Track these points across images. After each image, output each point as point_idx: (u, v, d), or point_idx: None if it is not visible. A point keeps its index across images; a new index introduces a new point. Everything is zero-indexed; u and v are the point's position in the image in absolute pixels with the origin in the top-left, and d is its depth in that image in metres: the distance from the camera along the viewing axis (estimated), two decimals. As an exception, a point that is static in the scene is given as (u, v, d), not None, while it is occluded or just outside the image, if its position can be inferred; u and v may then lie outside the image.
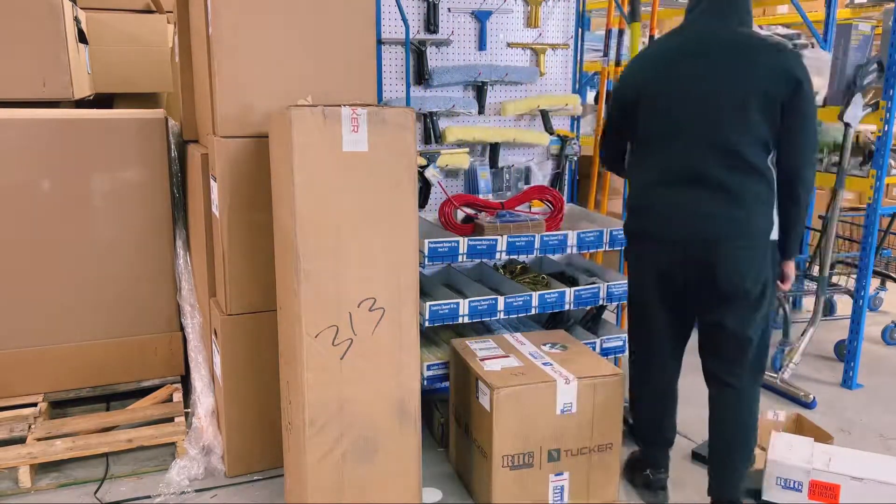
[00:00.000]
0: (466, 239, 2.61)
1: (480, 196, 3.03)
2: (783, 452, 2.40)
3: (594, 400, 2.28)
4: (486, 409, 2.24)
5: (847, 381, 3.39)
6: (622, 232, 2.49)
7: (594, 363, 2.39)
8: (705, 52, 2.10)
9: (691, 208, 2.10)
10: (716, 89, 2.06)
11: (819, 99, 3.41)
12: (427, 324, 2.54)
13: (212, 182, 2.42)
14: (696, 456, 2.69)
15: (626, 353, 2.57)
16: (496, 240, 2.65)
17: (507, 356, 2.42)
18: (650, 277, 2.24)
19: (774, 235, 2.13)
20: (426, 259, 2.54)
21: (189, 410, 2.77)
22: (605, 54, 3.75)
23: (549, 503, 2.32)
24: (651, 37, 3.60)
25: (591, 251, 2.85)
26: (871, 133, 3.24)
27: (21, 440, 2.56)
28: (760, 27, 4.35)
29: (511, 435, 2.23)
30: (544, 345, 2.53)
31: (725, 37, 2.09)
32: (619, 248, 2.94)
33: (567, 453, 2.30)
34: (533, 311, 2.71)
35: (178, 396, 2.89)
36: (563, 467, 2.30)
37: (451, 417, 2.63)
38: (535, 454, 2.27)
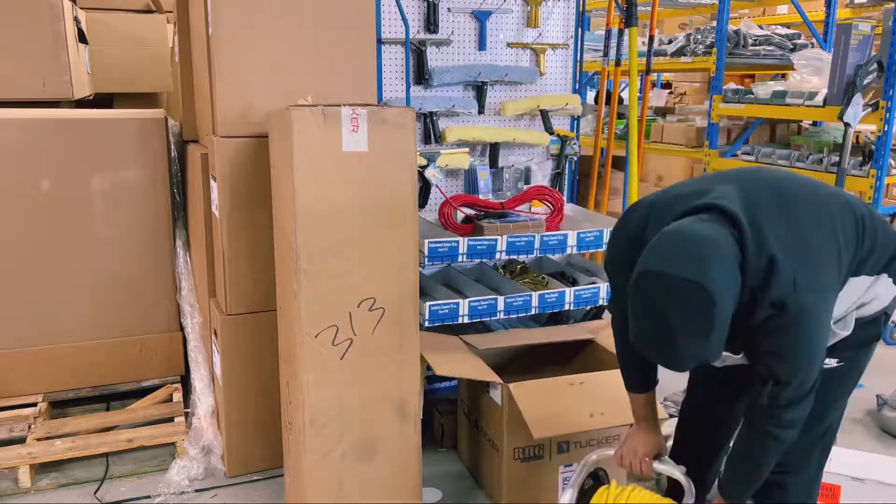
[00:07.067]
0: (466, 239, 2.61)
1: (480, 196, 3.03)
2: (783, 452, 2.40)
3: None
4: (498, 404, 2.27)
5: (847, 381, 3.39)
6: None
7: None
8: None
9: None
10: None
11: (819, 99, 3.41)
12: (427, 324, 2.53)
13: (212, 182, 2.42)
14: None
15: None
16: (496, 240, 2.65)
17: None
18: None
19: None
20: (426, 259, 2.54)
21: (189, 410, 2.77)
22: (605, 54, 3.75)
23: (559, 493, 2.34)
24: (651, 37, 3.60)
25: (591, 251, 2.85)
26: (871, 133, 3.24)
27: (21, 440, 2.56)
28: (761, 27, 4.36)
29: (522, 427, 2.24)
30: None
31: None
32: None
33: (576, 445, 2.33)
34: (533, 311, 2.71)
35: (178, 396, 2.89)
36: (572, 458, 2.33)
37: (460, 414, 2.65)
38: (545, 446, 2.30)
